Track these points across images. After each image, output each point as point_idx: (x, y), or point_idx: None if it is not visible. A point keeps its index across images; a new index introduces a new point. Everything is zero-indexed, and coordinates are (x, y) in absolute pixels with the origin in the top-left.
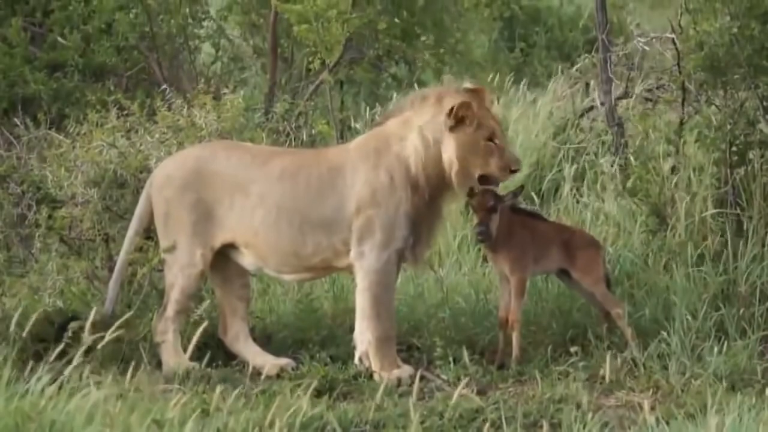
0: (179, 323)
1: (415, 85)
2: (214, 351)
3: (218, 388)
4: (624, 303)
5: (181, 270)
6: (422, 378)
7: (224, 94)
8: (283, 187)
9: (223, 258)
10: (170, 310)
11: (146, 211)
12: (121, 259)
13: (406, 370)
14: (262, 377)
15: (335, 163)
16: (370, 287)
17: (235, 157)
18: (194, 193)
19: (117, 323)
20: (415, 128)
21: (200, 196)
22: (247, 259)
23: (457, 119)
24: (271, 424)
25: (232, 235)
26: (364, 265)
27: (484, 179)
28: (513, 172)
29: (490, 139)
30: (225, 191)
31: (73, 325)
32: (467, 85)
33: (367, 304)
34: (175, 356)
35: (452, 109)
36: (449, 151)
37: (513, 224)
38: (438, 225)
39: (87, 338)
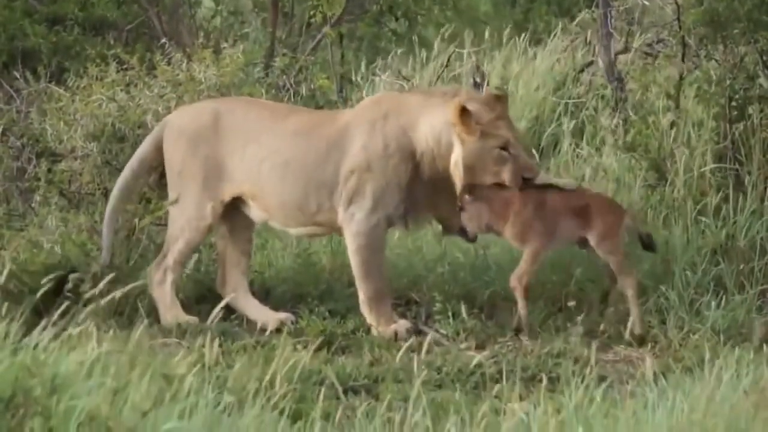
0: (177, 274)
1: (415, 39)
2: (212, 304)
3: (218, 343)
4: (636, 280)
5: (188, 222)
6: (420, 332)
7: (224, 48)
8: (295, 144)
9: (230, 211)
10: (170, 259)
11: (151, 155)
12: (112, 198)
13: (402, 325)
14: (267, 333)
15: (343, 124)
16: (358, 250)
17: (254, 113)
18: (208, 147)
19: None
20: (433, 119)
21: (214, 149)
22: (254, 212)
23: (466, 129)
24: (272, 379)
25: (240, 188)
26: (352, 228)
27: (499, 185)
28: (525, 180)
29: (504, 147)
30: (239, 143)
31: (72, 277)
32: (494, 91)
33: (356, 266)
34: (171, 309)
35: (458, 115)
36: (455, 156)
37: (511, 203)
38: (442, 199)
39: (86, 291)
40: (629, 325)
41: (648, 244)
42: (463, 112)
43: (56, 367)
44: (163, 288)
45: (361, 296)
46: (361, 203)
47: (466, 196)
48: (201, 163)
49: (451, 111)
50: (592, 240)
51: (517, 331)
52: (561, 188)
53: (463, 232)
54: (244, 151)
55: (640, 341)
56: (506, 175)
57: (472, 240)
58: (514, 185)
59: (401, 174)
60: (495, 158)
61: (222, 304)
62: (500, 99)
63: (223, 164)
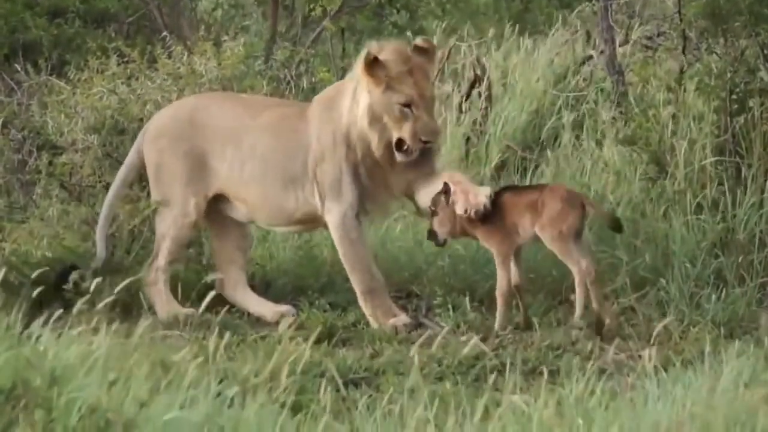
0: (168, 273)
1: (417, 33)
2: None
3: (219, 335)
4: (591, 264)
5: (173, 220)
6: (420, 325)
7: (225, 41)
8: (268, 140)
9: (218, 208)
10: (161, 259)
11: (135, 162)
12: (106, 205)
13: (401, 319)
14: (268, 324)
15: (306, 117)
16: (337, 243)
17: (229, 108)
18: (187, 143)
19: (113, 269)
20: (351, 87)
21: (194, 145)
22: (237, 212)
23: (369, 72)
24: (273, 371)
25: (224, 187)
26: (330, 221)
27: (399, 143)
28: (424, 142)
29: (407, 105)
30: (217, 142)
31: (73, 277)
32: (418, 41)
33: (342, 260)
34: (167, 304)
35: (367, 64)
36: (362, 108)
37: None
38: (393, 179)
39: (88, 285)
40: (594, 318)
41: (615, 226)
42: (374, 62)
43: (57, 360)
44: (156, 288)
45: (356, 290)
46: (329, 196)
47: (441, 199)
48: (182, 160)
49: (360, 60)
50: (538, 229)
51: (518, 327)
52: (517, 186)
53: (432, 235)
54: (223, 151)
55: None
56: (404, 134)
57: (442, 245)
58: (413, 145)
59: (350, 161)
60: (396, 115)
61: (211, 296)
62: (423, 51)
63: (204, 160)
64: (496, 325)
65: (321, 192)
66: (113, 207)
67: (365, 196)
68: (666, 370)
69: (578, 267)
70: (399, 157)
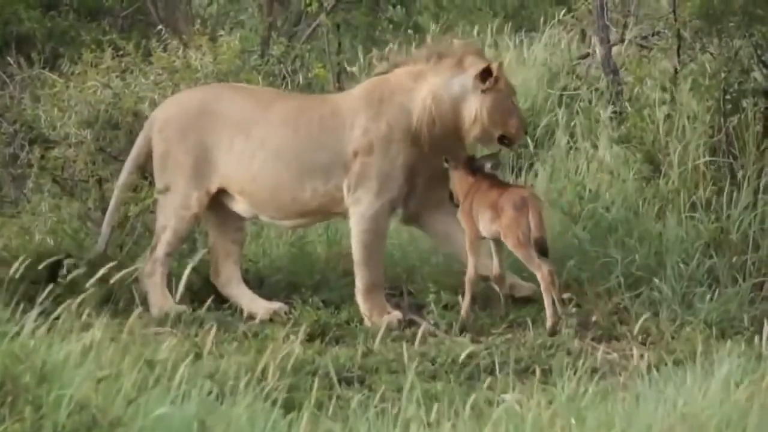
0: (167, 266)
1: (413, 29)
2: (205, 294)
3: (211, 332)
4: (550, 269)
5: (174, 212)
6: (412, 323)
7: (220, 35)
8: (284, 132)
9: (219, 201)
10: (160, 251)
11: (143, 151)
12: (115, 197)
13: (394, 316)
14: (257, 321)
15: (337, 109)
16: (362, 234)
17: (239, 100)
18: (195, 135)
19: (108, 265)
20: (429, 84)
21: (201, 137)
22: (240, 206)
23: (495, 80)
24: (264, 369)
25: (227, 181)
26: (358, 210)
27: (502, 139)
28: (526, 133)
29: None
30: (226, 133)
31: (68, 263)
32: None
33: (357, 251)
34: (162, 299)
35: (488, 70)
36: (477, 110)
37: (463, 185)
38: (435, 180)
39: (80, 278)
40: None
41: (541, 249)
42: (492, 66)
43: (46, 355)
44: (152, 280)
45: (358, 284)
46: (366, 187)
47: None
48: (188, 153)
49: (479, 68)
50: (501, 235)
51: (461, 330)
52: (495, 179)
53: (451, 196)
54: (231, 143)
55: (552, 332)
56: (512, 127)
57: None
58: (519, 138)
59: (404, 154)
60: (508, 108)
61: (181, 288)
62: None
63: (210, 154)
64: (462, 312)
65: (351, 182)
66: (122, 196)
67: (412, 192)
68: (658, 370)
69: (540, 272)
70: (503, 148)
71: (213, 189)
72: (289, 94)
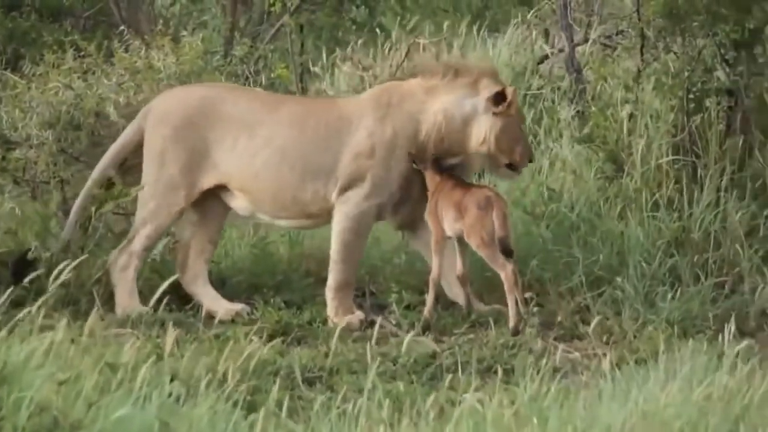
0: (143, 261)
1: (377, 30)
2: (166, 294)
3: (172, 333)
4: (514, 269)
5: (159, 207)
6: (374, 323)
7: (183, 36)
8: (291, 132)
9: (205, 199)
10: (137, 244)
11: (132, 140)
12: (87, 187)
13: (357, 316)
14: (216, 321)
15: (345, 112)
16: (344, 232)
17: (245, 100)
18: (195, 131)
19: (70, 264)
20: (441, 100)
21: (201, 135)
22: (239, 203)
23: (508, 105)
24: (226, 370)
25: (227, 178)
26: (343, 208)
27: (508, 165)
28: (530, 161)
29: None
30: (229, 132)
31: (33, 253)
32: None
33: (337, 248)
34: (128, 299)
35: (502, 94)
36: (486, 132)
37: (431, 185)
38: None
39: (41, 280)
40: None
41: (504, 250)
42: (508, 91)
43: (6, 357)
44: (125, 274)
45: (330, 281)
46: (359, 188)
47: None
48: (183, 149)
49: (493, 91)
50: (465, 235)
51: (424, 330)
52: (458, 179)
53: None
54: (234, 142)
55: (514, 332)
56: (517, 155)
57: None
58: (523, 165)
59: (405, 163)
60: (516, 135)
61: (162, 288)
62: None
63: (208, 152)
64: (425, 312)
65: (344, 183)
66: (98, 185)
67: (404, 202)
68: (620, 369)
69: (504, 272)
70: (508, 174)
71: (206, 186)
72: (294, 97)
